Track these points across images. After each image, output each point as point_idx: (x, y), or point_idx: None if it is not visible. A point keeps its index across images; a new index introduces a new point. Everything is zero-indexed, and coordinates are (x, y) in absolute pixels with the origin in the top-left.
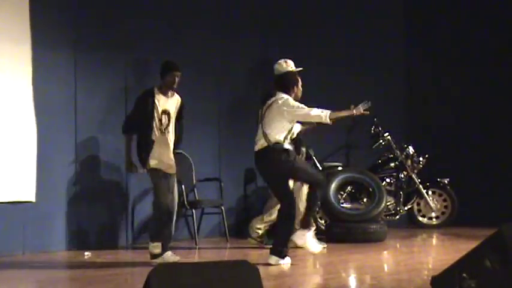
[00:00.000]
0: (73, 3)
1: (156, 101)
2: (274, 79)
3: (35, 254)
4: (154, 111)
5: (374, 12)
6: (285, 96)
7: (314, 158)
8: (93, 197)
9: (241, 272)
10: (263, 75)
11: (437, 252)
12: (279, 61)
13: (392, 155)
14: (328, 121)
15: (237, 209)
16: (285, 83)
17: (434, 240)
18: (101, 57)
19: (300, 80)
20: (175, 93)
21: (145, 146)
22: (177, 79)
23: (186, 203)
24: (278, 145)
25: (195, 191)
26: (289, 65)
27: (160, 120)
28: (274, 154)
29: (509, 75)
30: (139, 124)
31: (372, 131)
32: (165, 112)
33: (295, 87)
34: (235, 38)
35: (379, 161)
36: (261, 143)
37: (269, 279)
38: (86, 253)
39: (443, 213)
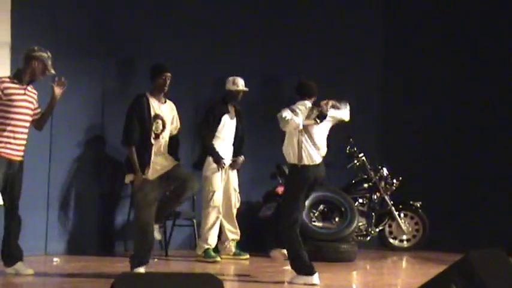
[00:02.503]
0: (52, 10)
1: (150, 104)
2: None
3: None
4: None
5: (351, 31)
6: None
7: None
8: (65, 203)
9: (205, 285)
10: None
11: (406, 275)
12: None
13: (366, 176)
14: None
15: None
16: None
17: (404, 263)
18: (78, 63)
19: None
20: (168, 100)
21: (145, 154)
22: (167, 81)
23: None
24: None
25: None
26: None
27: (152, 125)
28: None
29: (484, 98)
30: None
31: (347, 151)
32: (158, 117)
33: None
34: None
35: (353, 181)
36: None
37: None
38: (55, 259)
39: (414, 236)
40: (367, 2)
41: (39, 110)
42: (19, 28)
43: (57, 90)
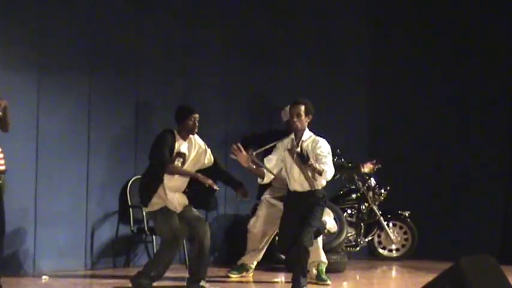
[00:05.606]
0: (37, 26)
1: (175, 142)
2: None
3: None
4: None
5: (336, 47)
6: None
7: None
8: (53, 220)
9: None
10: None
11: (396, 285)
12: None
13: (354, 187)
14: None
15: None
16: None
17: (393, 273)
18: (64, 80)
19: None
20: (194, 136)
21: (153, 186)
22: (197, 122)
23: (146, 229)
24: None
25: None
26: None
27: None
28: None
29: (473, 109)
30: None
31: (335, 162)
32: (180, 155)
33: None
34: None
35: (341, 192)
36: None
37: None
38: (44, 277)
39: (403, 245)
40: (351, 12)
41: None
42: (3, 45)
43: None
